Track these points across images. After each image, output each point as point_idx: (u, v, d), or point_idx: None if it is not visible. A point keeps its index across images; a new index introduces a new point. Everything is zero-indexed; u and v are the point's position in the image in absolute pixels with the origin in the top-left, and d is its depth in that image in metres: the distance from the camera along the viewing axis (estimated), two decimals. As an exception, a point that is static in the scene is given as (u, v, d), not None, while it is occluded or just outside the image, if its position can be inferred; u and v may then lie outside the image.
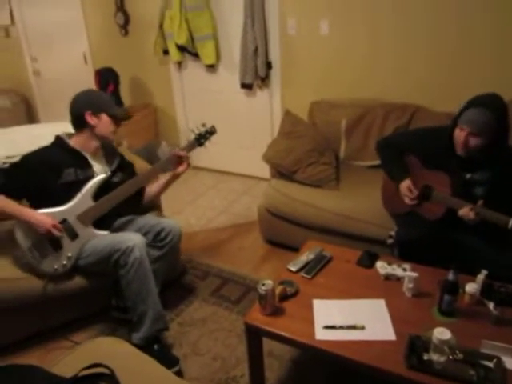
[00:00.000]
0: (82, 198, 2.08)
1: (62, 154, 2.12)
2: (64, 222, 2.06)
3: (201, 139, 2.31)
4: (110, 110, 2.14)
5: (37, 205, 2.06)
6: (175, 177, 2.31)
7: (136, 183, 2.17)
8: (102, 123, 2.12)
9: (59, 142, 2.17)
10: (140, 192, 2.30)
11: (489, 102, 1.88)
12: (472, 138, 1.91)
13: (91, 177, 2.12)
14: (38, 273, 2.11)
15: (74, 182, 2.09)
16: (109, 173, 2.20)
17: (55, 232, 2.02)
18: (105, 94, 2.27)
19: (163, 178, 2.34)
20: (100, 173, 2.18)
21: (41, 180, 2.05)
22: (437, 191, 2.10)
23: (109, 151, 2.30)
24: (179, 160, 2.24)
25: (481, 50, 2.82)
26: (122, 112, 2.22)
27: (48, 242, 2.07)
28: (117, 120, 2.19)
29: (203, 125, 2.33)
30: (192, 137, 2.31)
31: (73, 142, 2.16)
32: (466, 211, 1.92)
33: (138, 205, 2.38)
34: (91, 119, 2.09)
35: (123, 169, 2.32)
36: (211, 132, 2.33)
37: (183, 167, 2.25)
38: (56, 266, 2.10)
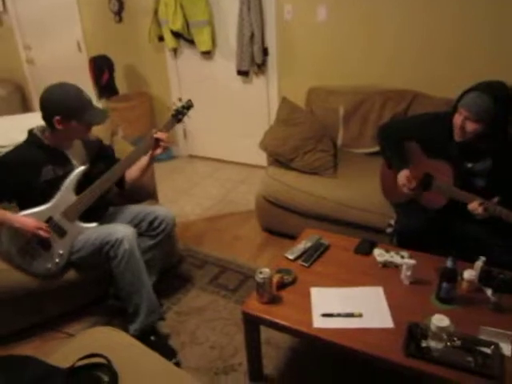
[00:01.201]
0: (64, 194, 2.03)
1: (37, 151, 2.02)
2: (49, 220, 2.02)
3: (178, 115, 2.18)
4: (81, 117, 1.95)
5: (23, 205, 2.01)
6: (152, 159, 2.21)
7: (117, 172, 2.09)
8: (72, 129, 1.98)
9: (33, 138, 2.05)
10: (120, 178, 2.21)
11: (490, 89, 1.84)
12: (469, 123, 1.88)
13: (71, 171, 2.05)
14: (32, 275, 2.08)
15: (54, 178, 2.02)
16: (87, 165, 2.11)
17: (42, 234, 1.97)
18: (80, 91, 1.98)
19: (142, 161, 2.22)
20: (80, 164, 2.10)
21: (20, 181, 1.98)
22: (438, 181, 2.07)
23: (87, 140, 2.20)
24: (156, 142, 2.12)
25: (480, 35, 2.78)
26: (97, 117, 2.03)
27: (36, 242, 2.02)
28: (90, 126, 2.05)
29: (179, 99, 2.22)
30: (169, 114, 2.20)
31: (47, 139, 2.05)
32: (474, 206, 1.88)
33: (121, 190, 2.32)
34: (59, 125, 1.94)
35: (103, 156, 2.24)
36: (188, 106, 2.21)
37: (160, 150, 2.13)
38: (49, 266, 2.07)
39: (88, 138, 2.18)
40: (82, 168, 2.07)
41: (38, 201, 2.00)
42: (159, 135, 2.10)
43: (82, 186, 2.05)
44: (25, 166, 1.99)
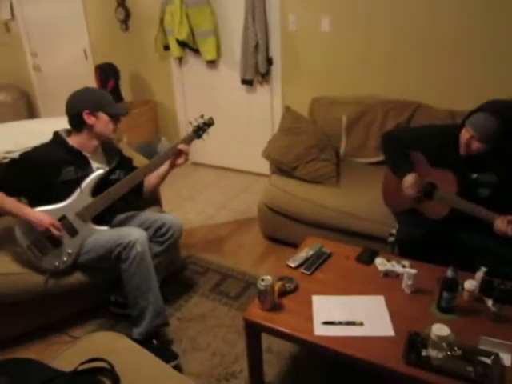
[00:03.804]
0: (81, 195, 2.07)
1: (61, 152, 2.09)
2: (63, 218, 2.06)
3: (199, 131, 2.28)
4: (108, 109, 2.10)
5: (35, 202, 2.05)
6: (172, 168, 2.28)
7: (135, 178, 2.15)
8: (101, 122, 2.09)
9: (58, 139, 2.13)
10: (139, 185, 2.27)
11: (499, 109, 1.85)
12: (474, 142, 1.91)
13: (90, 173, 2.10)
14: (39, 269, 2.10)
15: (73, 179, 2.07)
16: (106, 169, 2.17)
17: (54, 231, 2.01)
18: (103, 91, 2.21)
19: (161, 169, 2.29)
20: (99, 169, 2.15)
21: (40, 178, 2.03)
22: (441, 191, 2.08)
23: (108, 149, 2.28)
24: (178, 153, 2.22)
25: (482, 47, 2.81)
26: (121, 109, 2.17)
27: (47, 239, 2.06)
28: (116, 118, 2.15)
29: (201, 116, 2.31)
30: (190, 129, 2.30)
31: (72, 141, 2.13)
32: (502, 226, 1.86)
33: (139, 198, 2.37)
34: (89, 118, 2.06)
35: (123, 165, 2.31)
36: (209, 124, 2.31)
37: (181, 160, 2.23)
38: (56, 263, 2.10)
39: (114, 137, 2.25)
40: (101, 171, 2.12)
41: (53, 199, 2.04)
42: (182, 147, 2.20)
43: (98, 190, 2.10)
44: (47, 165, 2.04)
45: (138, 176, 2.16)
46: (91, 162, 2.16)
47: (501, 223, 1.88)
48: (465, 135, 1.94)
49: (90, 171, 2.12)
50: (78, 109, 2.05)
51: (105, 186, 2.11)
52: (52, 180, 2.05)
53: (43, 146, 2.12)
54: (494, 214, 1.90)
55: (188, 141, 2.26)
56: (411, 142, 2.25)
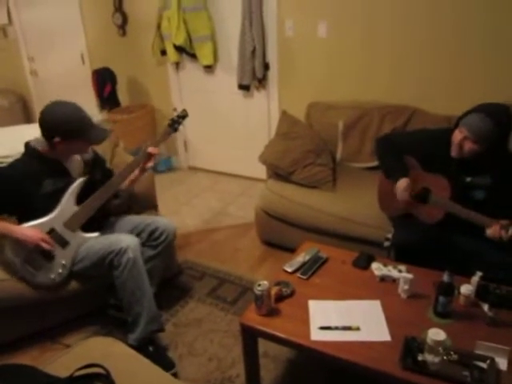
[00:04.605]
0: (66, 205, 2.05)
1: (37, 164, 2.03)
2: (52, 231, 2.03)
3: (174, 124, 2.27)
4: (82, 137, 1.98)
5: (23, 218, 2.02)
6: (142, 173, 2.26)
7: (115, 182, 2.13)
8: (74, 147, 2.02)
9: (31, 151, 2.05)
10: None
11: (493, 111, 1.86)
12: (468, 143, 1.91)
13: (70, 182, 2.07)
14: (36, 285, 2.08)
15: (55, 190, 2.03)
16: (86, 177, 2.13)
17: (45, 246, 1.98)
18: (83, 114, 1.99)
19: (132, 175, 2.24)
20: (78, 175, 2.12)
21: (19, 193, 1.98)
22: (435, 195, 2.08)
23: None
24: (149, 156, 2.19)
25: (478, 52, 2.82)
26: (99, 136, 2.04)
27: (39, 253, 2.03)
28: (91, 143, 2.08)
29: (174, 109, 2.31)
30: (166, 123, 2.29)
31: (45, 152, 2.04)
32: (495, 231, 1.86)
33: (115, 198, 2.33)
34: (59, 145, 1.97)
35: (98, 164, 2.29)
36: (183, 116, 2.30)
37: (151, 163, 2.21)
38: (53, 276, 2.08)
39: (87, 153, 2.21)
40: (82, 179, 2.09)
41: (38, 213, 2.02)
42: (152, 150, 2.18)
43: (81, 196, 2.08)
44: (27, 179, 2.00)
45: (119, 180, 2.14)
46: (69, 169, 2.12)
47: (493, 230, 1.88)
48: (458, 136, 1.94)
49: (69, 179, 2.08)
50: (49, 133, 1.95)
51: (88, 190, 2.08)
52: (32, 193, 2.00)
53: (19, 161, 2.05)
54: (488, 220, 1.91)
55: (165, 137, 2.26)
56: (405, 146, 2.25)
